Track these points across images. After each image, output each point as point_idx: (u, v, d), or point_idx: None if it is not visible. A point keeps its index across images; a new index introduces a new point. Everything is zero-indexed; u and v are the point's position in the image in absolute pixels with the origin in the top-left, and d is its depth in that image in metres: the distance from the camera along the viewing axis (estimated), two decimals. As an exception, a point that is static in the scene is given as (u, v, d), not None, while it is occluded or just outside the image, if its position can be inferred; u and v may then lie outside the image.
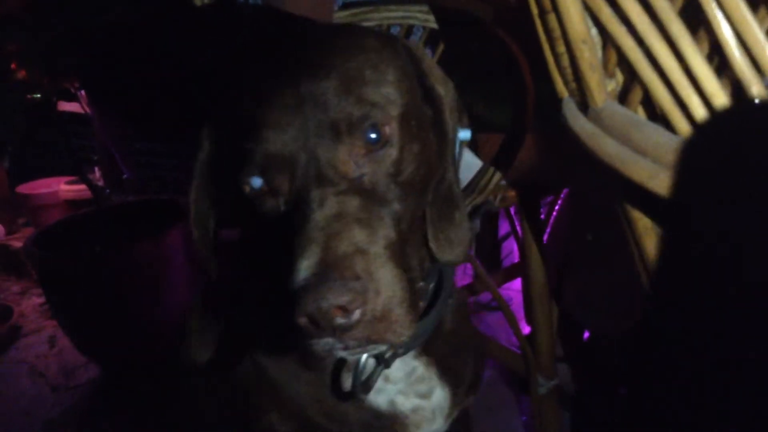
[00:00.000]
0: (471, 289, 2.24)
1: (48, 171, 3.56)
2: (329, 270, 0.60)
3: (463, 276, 2.56)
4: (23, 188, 3.52)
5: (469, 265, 2.78)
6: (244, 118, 0.72)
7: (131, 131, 2.75)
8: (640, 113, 0.69)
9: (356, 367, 0.84)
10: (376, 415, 0.92)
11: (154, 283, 2.17)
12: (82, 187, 3.19)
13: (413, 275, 0.71)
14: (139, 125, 2.81)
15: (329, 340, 0.63)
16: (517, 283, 2.43)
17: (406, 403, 0.93)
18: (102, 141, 2.86)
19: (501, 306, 1.66)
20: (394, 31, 1.51)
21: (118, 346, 2.23)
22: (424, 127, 0.77)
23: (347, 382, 0.89)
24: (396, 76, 0.73)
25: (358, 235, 0.64)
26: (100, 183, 3.10)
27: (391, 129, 0.70)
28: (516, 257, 2.53)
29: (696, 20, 0.58)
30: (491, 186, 1.41)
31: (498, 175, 1.39)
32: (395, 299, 0.63)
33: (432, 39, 1.53)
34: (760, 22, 0.55)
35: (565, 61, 0.72)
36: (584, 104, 0.74)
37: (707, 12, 0.56)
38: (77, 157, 2.42)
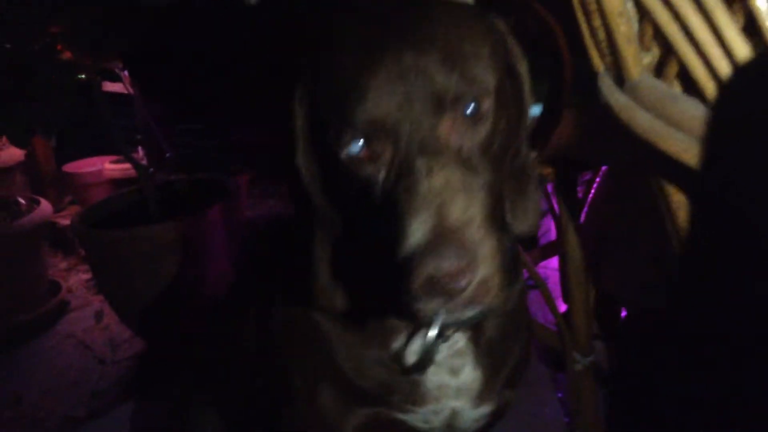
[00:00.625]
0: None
1: (93, 150, 3.64)
2: (445, 237, 0.63)
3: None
4: (69, 167, 3.61)
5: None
6: (345, 83, 0.72)
7: (173, 111, 2.80)
8: (676, 87, 0.69)
9: (425, 345, 0.86)
10: (403, 377, 0.94)
11: (197, 259, 2.22)
12: (126, 166, 3.26)
13: (503, 245, 0.73)
14: (180, 105, 2.86)
15: (439, 301, 0.65)
16: (554, 262, 2.42)
17: (433, 377, 0.94)
18: (145, 121, 2.91)
19: (538, 284, 1.67)
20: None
21: (162, 320, 2.28)
22: (509, 102, 0.78)
23: (410, 356, 0.92)
24: (490, 52, 0.75)
25: (466, 205, 0.66)
26: (144, 162, 3.16)
27: (488, 104, 0.73)
28: (553, 235, 2.52)
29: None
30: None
31: (534, 152, 1.39)
32: (495, 266, 0.66)
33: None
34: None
35: (601, 34, 0.72)
36: (620, 78, 0.74)
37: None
38: (121, 136, 2.47)
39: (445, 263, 0.62)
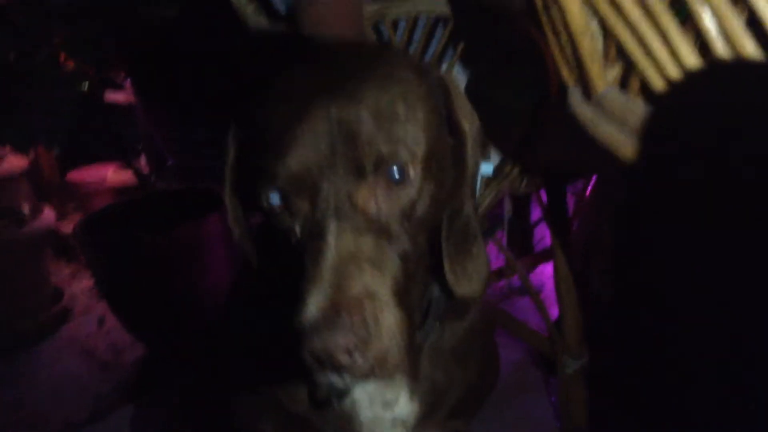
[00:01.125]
0: (502, 273, 2.27)
1: (95, 159, 3.68)
2: (339, 312, 0.62)
3: (495, 260, 2.59)
4: (73, 175, 3.64)
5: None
6: (270, 134, 0.71)
7: (175, 120, 2.83)
8: (639, 99, 0.72)
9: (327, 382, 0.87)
10: (334, 408, 0.93)
11: (196, 266, 2.25)
12: (129, 174, 3.30)
13: (413, 313, 0.72)
14: (182, 114, 2.90)
15: (330, 374, 0.65)
16: (549, 268, 2.45)
17: (366, 410, 0.93)
18: (147, 129, 2.95)
19: (528, 291, 1.70)
20: (421, 23, 1.53)
21: (161, 326, 2.32)
22: (445, 163, 0.77)
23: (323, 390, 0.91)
24: (425, 112, 0.73)
25: (369, 278, 0.65)
26: (145, 170, 3.19)
27: (415, 169, 0.71)
28: (548, 242, 2.55)
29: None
30: (516, 171, 1.44)
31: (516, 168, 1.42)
32: (395, 343, 0.66)
33: (456, 31, 1.54)
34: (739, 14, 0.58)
35: (569, 50, 0.76)
36: (587, 92, 0.77)
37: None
38: (123, 145, 2.51)
39: (333, 340, 0.61)
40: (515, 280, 2.51)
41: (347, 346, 0.62)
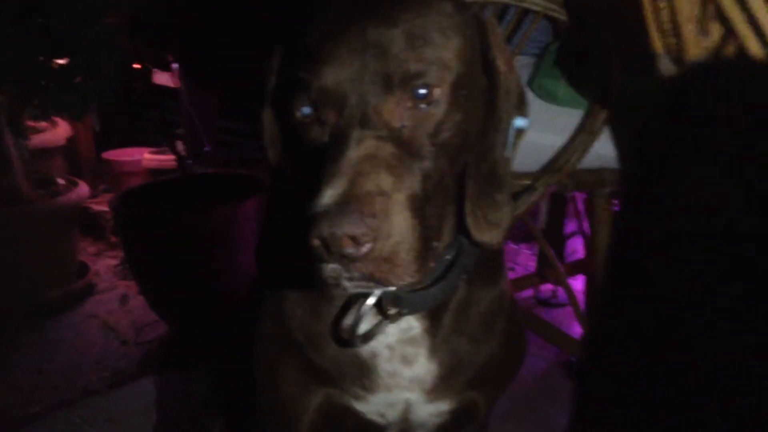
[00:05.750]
0: (532, 281, 2.28)
1: (132, 141, 3.73)
2: (350, 202, 0.65)
3: (524, 269, 2.61)
4: (109, 154, 3.70)
5: (532, 258, 2.81)
6: (308, 52, 0.76)
7: (218, 108, 2.86)
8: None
9: (356, 317, 0.87)
10: (354, 358, 0.94)
11: (228, 248, 2.26)
12: (165, 157, 3.34)
13: (430, 233, 0.73)
14: (225, 104, 2.93)
15: (337, 267, 0.67)
16: (577, 283, 2.44)
17: (385, 364, 0.94)
18: (188, 115, 2.99)
19: (567, 293, 1.70)
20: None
21: (188, 305, 2.33)
22: (475, 99, 0.79)
23: (347, 330, 0.92)
24: (458, 42, 0.76)
25: (384, 179, 0.67)
26: (183, 154, 3.23)
27: (441, 92, 0.74)
28: (579, 255, 2.55)
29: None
30: (567, 167, 1.45)
31: (575, 157, 1.43)
32: (404, 245, 0.67)
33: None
34: None
35: (665, 15, 0.77)
36: (679, 60, 0.79)
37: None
38: (166, 127, 2.54)
39: (340, 226, 0.63)
40: (542, 291, 2.50)
41: (354, 234, 0.63)
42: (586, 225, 1.95)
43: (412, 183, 0.70)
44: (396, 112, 0.73)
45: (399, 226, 0.67)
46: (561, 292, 2.48)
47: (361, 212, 0.64)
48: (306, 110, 0.76)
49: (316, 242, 0.65)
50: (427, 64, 0.72)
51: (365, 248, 0.65)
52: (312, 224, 0.65)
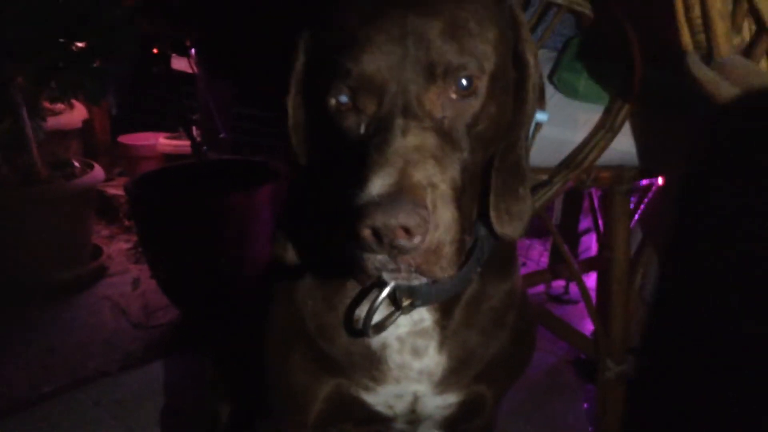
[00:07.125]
0: (544, 277, 2.26)
1: (148, 126, 3.74)
2: (403, 193, 0.63)
3: (536, 264, 2.60)
4: (124, 138, 3.71)
5: (544, 254, 2.81)
6: (345, 36, 0.74)
7: (235, 94, 2.86)
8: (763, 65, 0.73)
9: (371, 308, 0.85)
10: (364, 349, 0.94)
11: (243, 234, 2.27)
12: (180, 142, 3.35)
13: (465, 226, 0.73)
14: (242, 90, 2.93)
15: (383, 258, 0.66)
16: (590, 280, 2.43)
17: (395, 355, 0.94)
18: (205, 100, 3.00)
19: (581, 291, 1.68)
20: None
21: (201, 289, 2.34)
22: (507, 90, 0.79)
23: (360, 321, 0.91)
24: (496, 35, 0.76)
25: (432, 170, 0.66)
26: (198, 140, 3.24)
27: (481, 83, 0.73)
28: (593, 253, 2.53)
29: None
30: (586, 163, 1.44)
31: (594, 153, 1.42)
32: (450, 237, 0.66)
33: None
34: None
35: (696, 11, 0.76)
36: (709, 57, 0.78)
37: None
38: (182, 112, 2.54)
39: (395, 217, 0.62)
40: (554, 288, 2.50)
41: (409, 225, 0.62)
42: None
43: (454, 174, 0.70)
44: (438, 102, 0.72)
45: (446, 217, 0.66)
46: (573, 288, 2.48)
47: (414, 203, 0.63)
48: (343, 98, 0.74)
49: (367, 232, 0.63)
50: (469, 55, 0.72)
51: (416, 239, 0.63)
52: (361, 214, 0.63)
